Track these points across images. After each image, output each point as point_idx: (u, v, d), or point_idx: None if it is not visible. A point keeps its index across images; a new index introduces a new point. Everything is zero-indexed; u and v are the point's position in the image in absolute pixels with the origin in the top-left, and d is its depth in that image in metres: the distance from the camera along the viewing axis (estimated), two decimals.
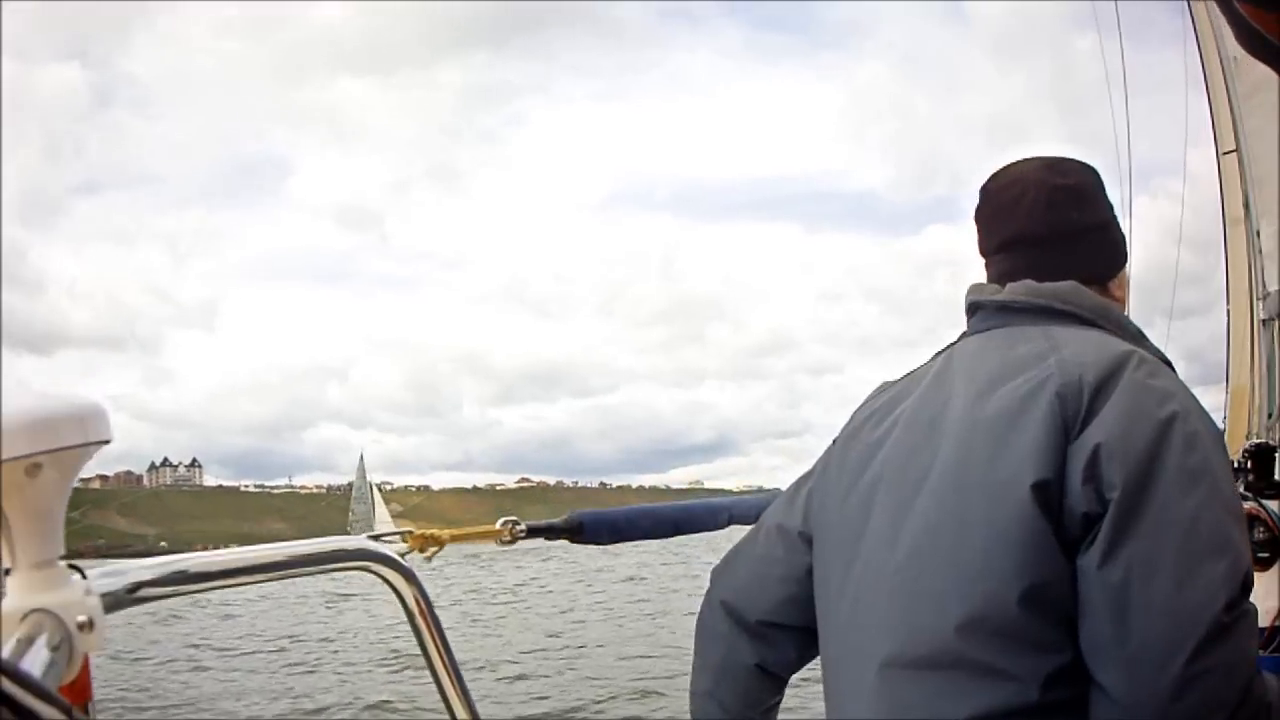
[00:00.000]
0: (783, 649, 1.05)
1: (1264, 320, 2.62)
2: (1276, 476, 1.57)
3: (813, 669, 1.05)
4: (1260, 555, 1.40)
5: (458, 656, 0.98)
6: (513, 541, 1.32)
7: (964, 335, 1.01)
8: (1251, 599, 0.79)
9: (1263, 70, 2.29)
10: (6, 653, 0.46)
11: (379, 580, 0.95)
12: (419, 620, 0.95)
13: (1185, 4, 2.68)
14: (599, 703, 7.02)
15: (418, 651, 0.97)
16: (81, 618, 0.51)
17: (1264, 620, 1.30)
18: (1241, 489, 1.52)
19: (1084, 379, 0.83)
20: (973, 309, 1.01)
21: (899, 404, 0.97)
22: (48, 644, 0.48)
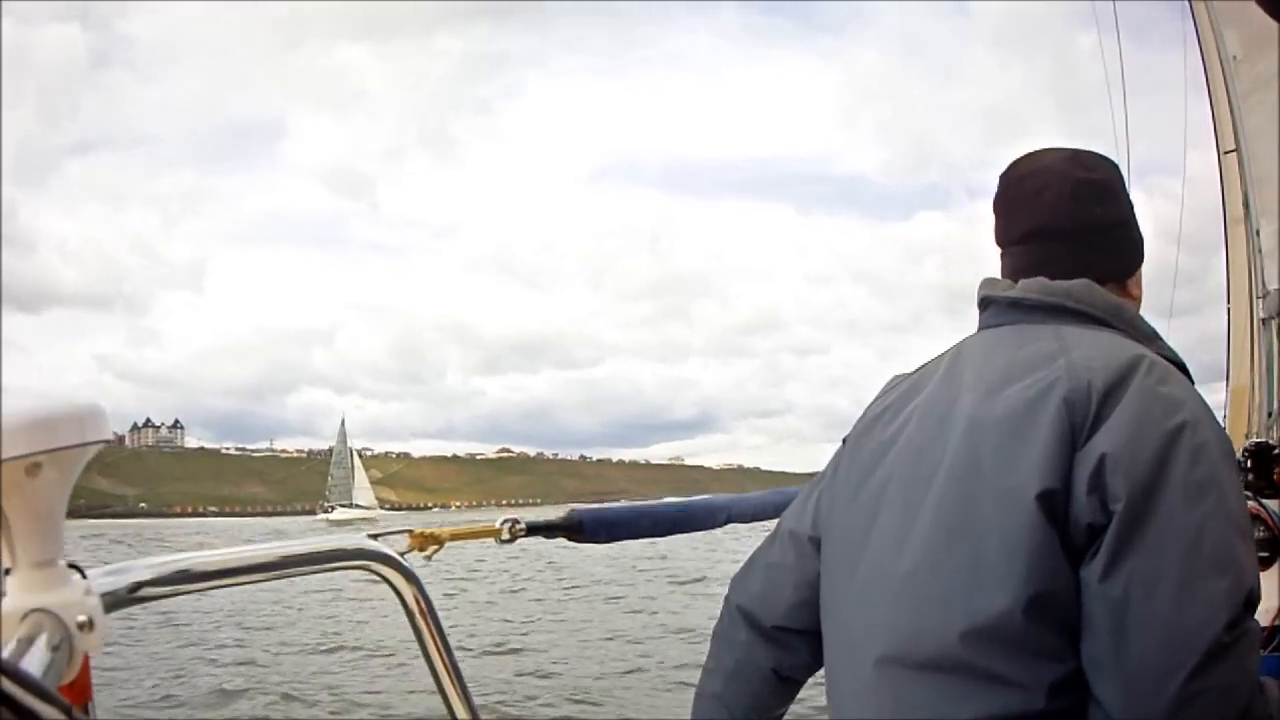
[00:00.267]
0: (798, 653, 1.04)
1: (1264, 319, 2.62)
2: (1276, 476, 1.57)
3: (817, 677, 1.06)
4: (1260, 555, 1.40)
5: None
6: (512, 540, 1.32)
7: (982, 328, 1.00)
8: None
9: (1263, 70, 2.29)
10: (6, 653, 0.46)
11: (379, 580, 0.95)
12: (419, 620, 0.95)
13: (1186, 4, 2.68)
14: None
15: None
16: (81, 618, 0.51)
17: (1264, 620, 1.30)
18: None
19: (1093, 384, 0.82)
20: (985, 304, 0.99)
21: (911, 400, 0.97)
22: (48, 644, 0.48)
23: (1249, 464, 1.57)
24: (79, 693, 0.53)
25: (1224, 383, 2.87)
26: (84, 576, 0.54)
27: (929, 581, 0.84)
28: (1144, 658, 0.75)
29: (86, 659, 0.53)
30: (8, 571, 0.51)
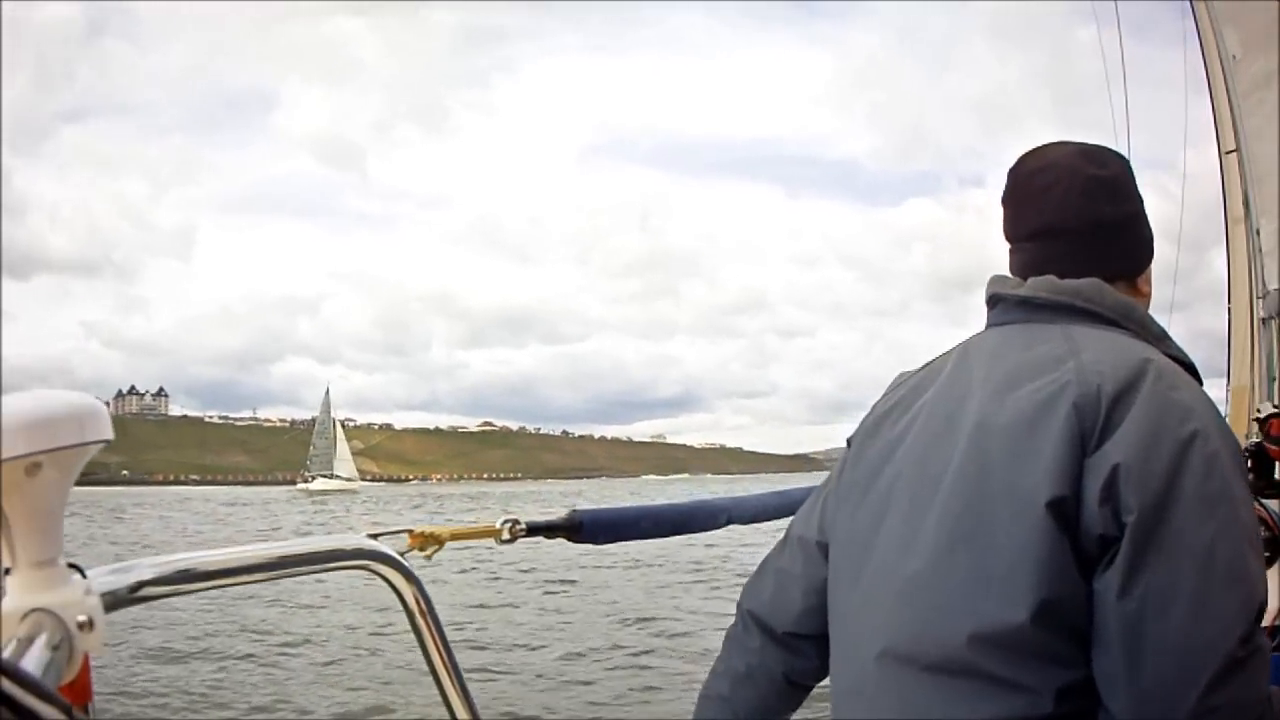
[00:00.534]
0: (808, 658, 1.04)
1: (1264, 319, 2.62)
2: (1277, 476, 1.57)
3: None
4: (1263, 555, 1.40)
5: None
6: (512, 540, 1.32)
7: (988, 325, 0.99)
8: None
9: (1263, 69, 2.29)
10: (6, 653, 0.46)
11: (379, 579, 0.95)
12: (419, 620, 0.95)
13: (1187, 2, 2.68)
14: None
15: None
16: (81, 617, 0.51)
17: (1265, 620, 1.30)
18: None
19: (1102, 389, 0.81)
20: (993, 301, 0.98)
21: (918, 398, 0.96)
22: (48, 644, 0.48)
23: (1249, 464, 1.57)
24: (79, 693, 0.53)
25: (1224, 382, 2.87)
26: (84, 576, 0.54)
27: (936, 583, 0.84)
28: (1159, 673, 0.75)
29: (86, 659, 0.53)
30: (8, 571, 0.51)
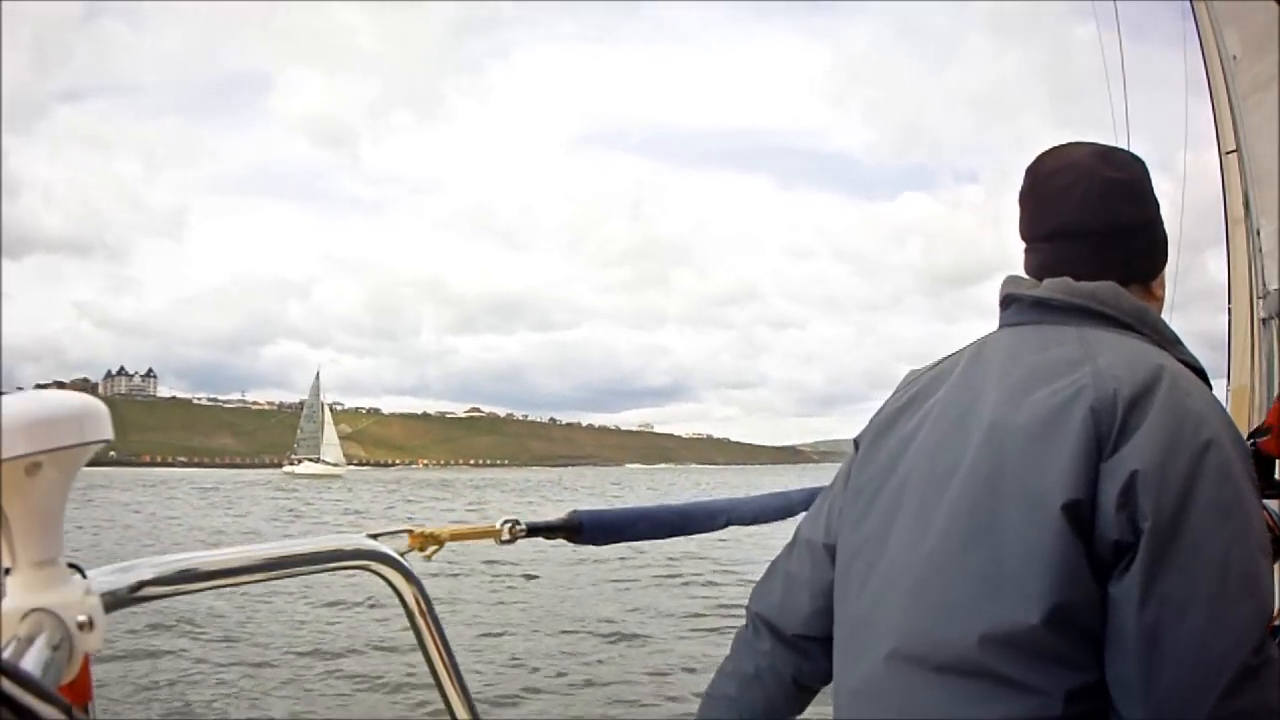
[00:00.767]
0: (817, 661, 1.04)
1: (1264, 319, 2.62)
2: (1277, 475, 1.57)
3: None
4: None
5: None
6: (512, 540, 1.32)
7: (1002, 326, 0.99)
8: None
9: (1263, 69, 2.29)
10: (6, 653, 0.46)
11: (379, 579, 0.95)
12: (419, 619, 0.95)
13: (1187, 3, 2.68)
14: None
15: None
16: (81, 617, 0.51)
17: None
18: None
19: (1119, 394, 0.81)
20: (1008, 301, 0.98)
21: (929, 397, 0.96)
22: (48, 644, 0.48)
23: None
24: (79, 693, 0.53)
25: (1224, 383, 2.87)
26: (84, 576, 0.54)
27: (946, 583, 0.84)
28: (1175, 680, 0.75)
29: (86, 659, 0.53)
30: (8, 571, 0.51)
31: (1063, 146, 1.01)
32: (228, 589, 0.83)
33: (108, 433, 0.52)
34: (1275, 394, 2.52)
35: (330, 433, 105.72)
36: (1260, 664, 0.75)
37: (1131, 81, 2.83)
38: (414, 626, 0.96)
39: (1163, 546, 0.76)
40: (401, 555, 0.97)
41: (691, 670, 6.94)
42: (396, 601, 0.96)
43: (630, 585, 11.55)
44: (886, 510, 0.93)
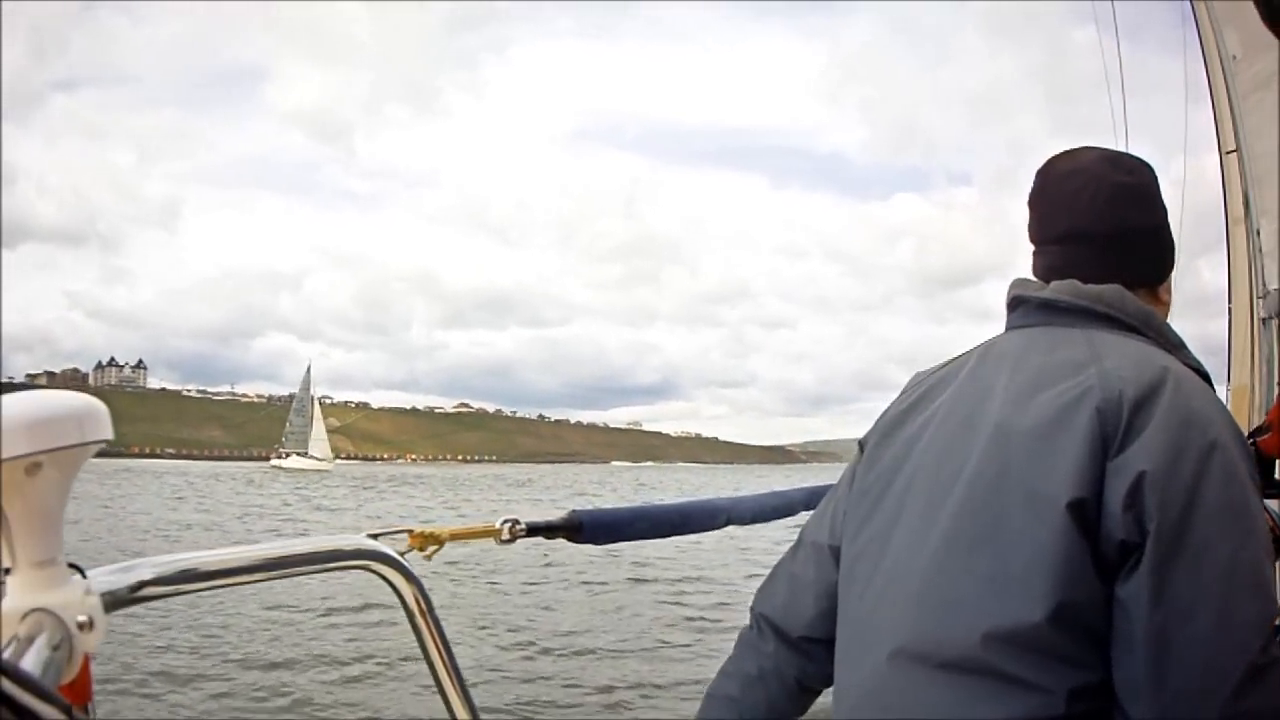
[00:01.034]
0: (819, 662, 1.04)
1: (1264, 319, 2.62)
2: (1277, 475, 1.57)
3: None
4: None
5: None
6: (512, 540, 1.32)
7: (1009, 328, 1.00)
8: None
9: (1263, 69, 2.29)
10: (6, 653, 0.46)
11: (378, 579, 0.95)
12: (419, 620, 0.95)
13: (1187, 3, 2.68)
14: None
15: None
16: (81, 617, 0.51)
17: None
18: None
19: (1124, 394, 0.82)
20: (1015, 303, 0.99)
21: (935, 398, 0.96)
22: (48, 644, 0.49)
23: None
24: (79, 693, 0.53)
25: (1224, 382, 2.87)
26: (84, 576, 0.54)
27: (950, 582, 0.84)
28: (1183, 681, 0.75)
29: (86, 659, 0.53)
30: (8, 571, 0.51)
31: (1072, 151, 1.02)
32: (228, 589, 0.83)
33: (108, 432, 0.52)
34: (1275, 394, 2.52)
35: (319, 428, 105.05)
36: (1267, 664, 0.75)
37: (1130, 83, 2.83)
38: (414, 627, 0.96)
39: (1170, 547, 0.77)
40: (401, 555, 0.97)
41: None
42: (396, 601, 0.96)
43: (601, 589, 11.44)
44: (892, 511, 0.93)
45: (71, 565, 0.54)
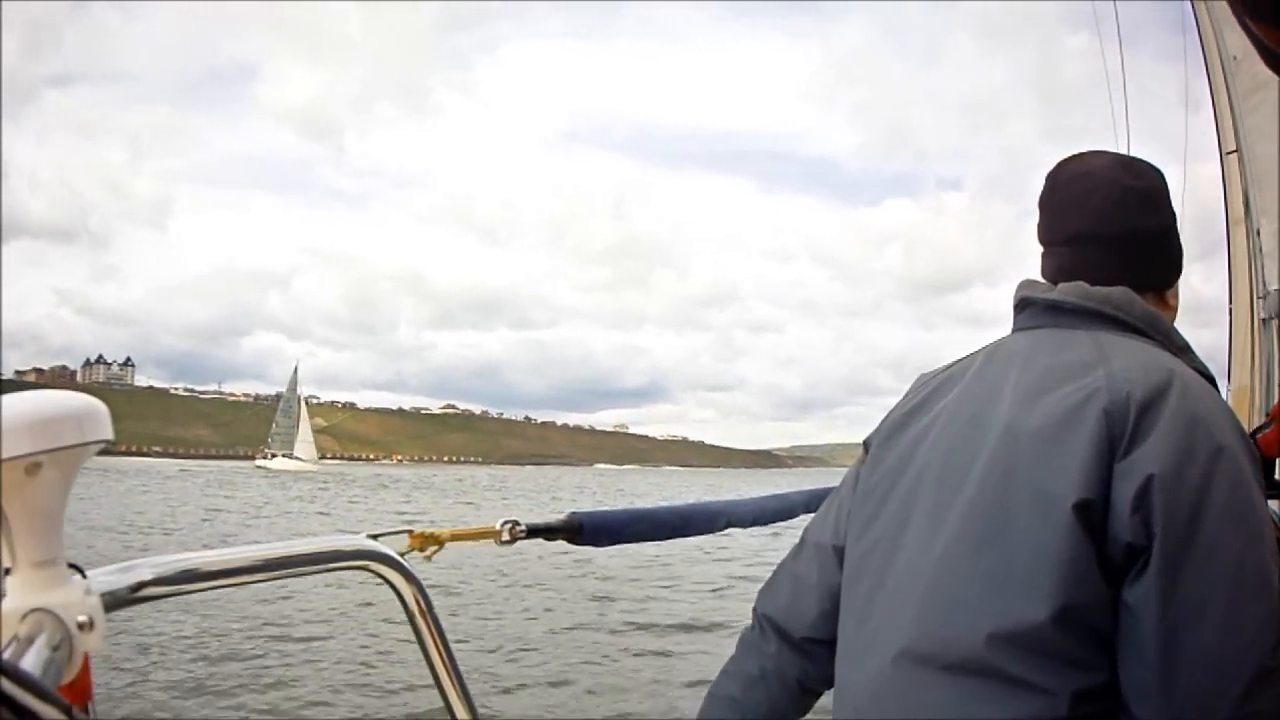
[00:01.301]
0: (822, 663, 1.04)
1: (1264, 319, 2.62)
2: (1277, 476, 1.57)
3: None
4: None
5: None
6: (512, 541, 1.32)
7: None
8: None
9: (1263, 70, 2.29)
10: (6, 653, 0.46)
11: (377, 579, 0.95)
12: (419, 620, 0.95)
13: (1187, 4, 2.68)
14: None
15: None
16: (82, 617, 0.51)
17: None
18: None
19: (1131, 396, 0.82)
20: (1022, 305, 1.00)
21: (940, 399, 0.96)
22: (48, 644, 0.48)
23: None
24: (79, 693, 0.53)
25: (1225, 382, 2.87)
26: (84, 576, 0.54)
27: (956, 583, 0.84)
28: (1193, 684, 0.76)
29: (86, 659, 0.53)
30: (8, 571, 0.51)
31: (1083, 154, 1.03)
32: (228, 589, 0.83)
33: (108, 433, 0.52)
34: (1275, 394, 2.52)
35: (305, 429, 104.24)
36: (1277, 665, 0.75)
37: (1131, 83, 2.83)
38: (414, 627, 0.96)
39: (1178, 551, 0.77)
40: (401, 555, 0.97)
41: None
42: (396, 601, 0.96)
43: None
44: (897, 512, 0.93)
45: (71, 565, 0.54)
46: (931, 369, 1.05)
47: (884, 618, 0.90)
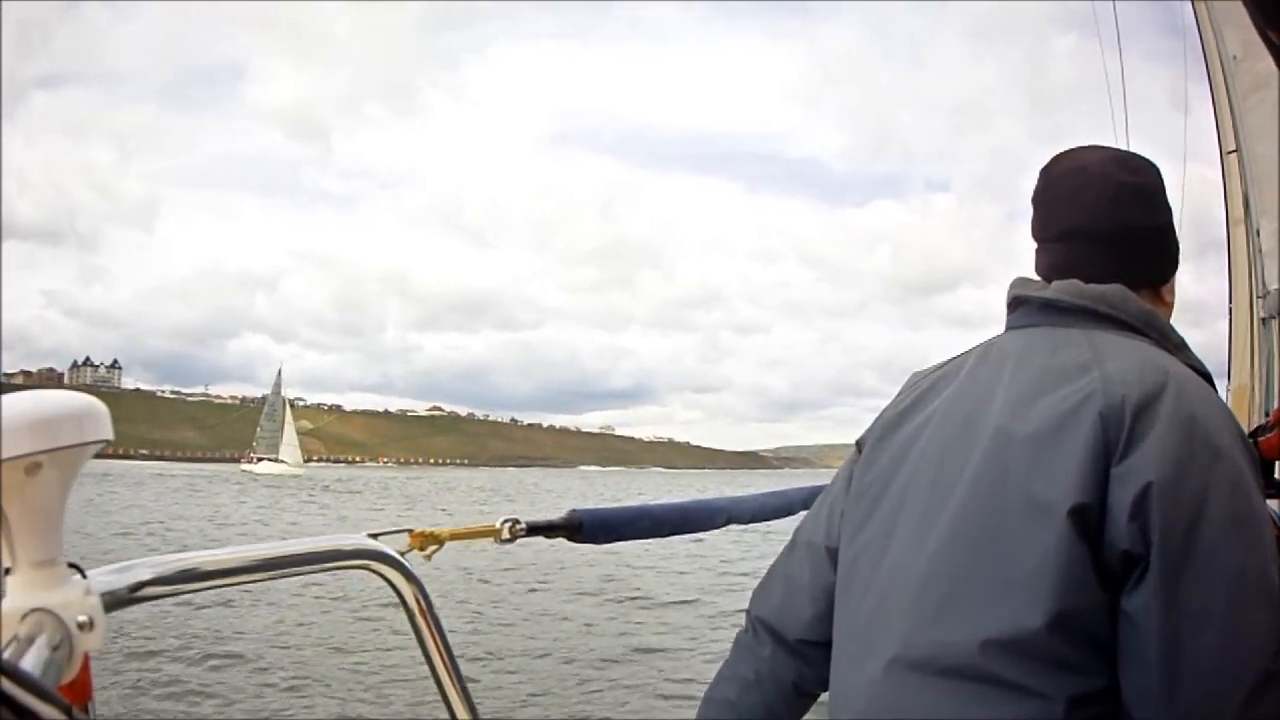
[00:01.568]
0: (817, 666, 1.03)
1: (1264, 319, 2.62)
2: (1276, 475, 1.57)
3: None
4: None
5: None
6: (512, 540, 1.32)
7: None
8: None
9: (1263, 69, 2.29)
10: (6, 653, 0.46)
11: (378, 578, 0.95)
12: (419, 619, 0.95)
13: (1187, 3, 2.68)
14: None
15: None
16: (82, 617, 0.51)
17: None
18: None
19: (1127, 399, 0.81)
20: (1015, 303, 0.98)
21: (933, 399, 0.96)
22: (48, 644, 0.49)
23: None
24: (79, 693, 0.53)
25: (1225, 382, 2.87)
26: (84, 576, 0.54)
27: (950, 588, 0.83)
28: (1196, 692, 0.75)
29: (87, 659, 0.53)
30: (8, 571, 0.51)
31: (1078, 149, 1.01)
32: (228, 588, 0.83)
33: (108, 433, 0.52)
34: (1275, 393, 2.52)
35: (290, 432, 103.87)
36: (1279, 670, 0.75)
37: (1131, 83, 2.83)
38: (414, 626, 0.96)
39: (1178, 558, 0.76)
40: (401, 555, 0.97)
41: None
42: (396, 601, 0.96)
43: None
44: (890, 514, 0.92)
45: (71, 565, 0.54)
46: (922, 368, 1.04)
47: (877, 621, 0.89)
